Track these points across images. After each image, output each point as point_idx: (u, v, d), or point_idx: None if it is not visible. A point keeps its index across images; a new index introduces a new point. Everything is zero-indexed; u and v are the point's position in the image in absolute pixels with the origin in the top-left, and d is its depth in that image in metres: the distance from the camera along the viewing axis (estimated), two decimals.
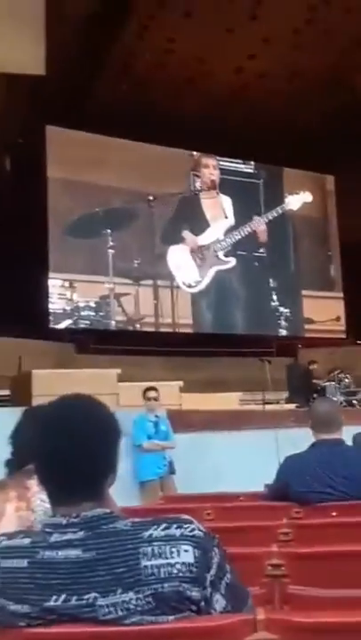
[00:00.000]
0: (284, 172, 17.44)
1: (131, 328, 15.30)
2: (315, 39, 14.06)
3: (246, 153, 16.70)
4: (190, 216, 15.90)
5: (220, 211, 16.40)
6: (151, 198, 14.85)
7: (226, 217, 16.43)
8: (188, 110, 14.54)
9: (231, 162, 16.81)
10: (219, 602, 1.25)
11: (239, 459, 6.71)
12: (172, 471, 7.00)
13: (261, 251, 16.85)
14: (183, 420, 7.89)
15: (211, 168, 16.47)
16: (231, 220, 16.43)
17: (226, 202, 16.48)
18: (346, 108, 15.79)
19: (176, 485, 6.89)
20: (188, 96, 14.62)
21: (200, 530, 1.28)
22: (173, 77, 14.44)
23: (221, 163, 16.65)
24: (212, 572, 1.25)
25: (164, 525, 1.26)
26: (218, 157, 16.56)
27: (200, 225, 15.99)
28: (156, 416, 7.31)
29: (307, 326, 17.48)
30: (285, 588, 1.84)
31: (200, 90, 14.66)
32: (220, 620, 1.19)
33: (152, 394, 7.41)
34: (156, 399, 7.41)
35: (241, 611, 1.26)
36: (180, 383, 10.22)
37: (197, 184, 16.28)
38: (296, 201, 17.18)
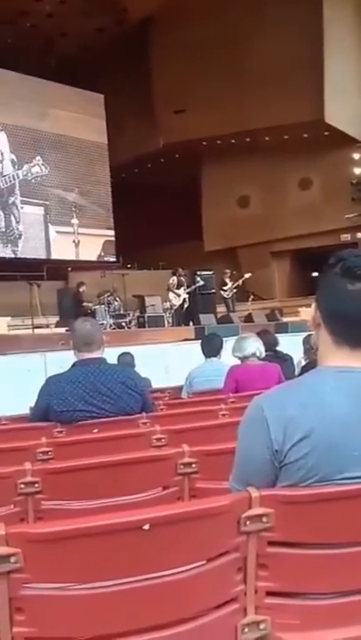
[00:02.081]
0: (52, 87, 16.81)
1: None
2: None
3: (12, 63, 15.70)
4: None
5: None
6: None
7: None
8: None
9: None
10: None
11: (4, 383, 6.59)
12: None
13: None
14: None
15: None
16: None
17: None
18: (114, 26, 15.52)
19: None
20: None
21: None
22: None
23: None
24: None
25: None
26: None
27: None
28: None
29: (77, 249, 17.46)
30: (39, 504, 1.87)
31: None
32: None
33: None
34: None
35: None
36: None
37: None
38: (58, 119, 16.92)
